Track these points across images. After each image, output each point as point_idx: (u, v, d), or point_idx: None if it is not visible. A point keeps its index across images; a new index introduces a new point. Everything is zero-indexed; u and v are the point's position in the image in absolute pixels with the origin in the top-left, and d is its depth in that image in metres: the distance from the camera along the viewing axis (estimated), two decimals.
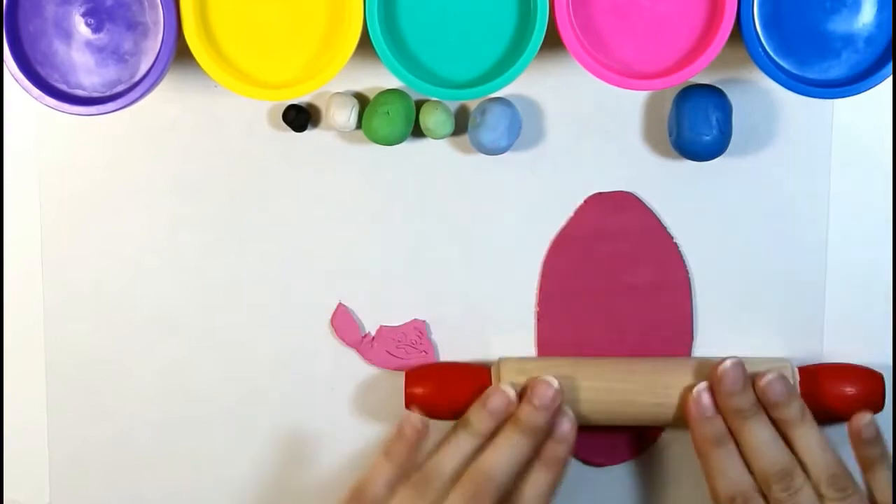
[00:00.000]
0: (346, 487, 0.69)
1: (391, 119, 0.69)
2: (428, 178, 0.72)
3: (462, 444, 0.68)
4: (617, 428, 0.73)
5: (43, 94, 0.64)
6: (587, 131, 0.72)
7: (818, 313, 0.73)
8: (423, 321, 0.74)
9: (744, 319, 0.74)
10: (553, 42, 0.65)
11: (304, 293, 0.73)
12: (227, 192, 0.72)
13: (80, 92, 0.64)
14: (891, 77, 0.65)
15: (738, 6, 0.64)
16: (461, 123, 0.72)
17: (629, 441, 0.74)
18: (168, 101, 0.71)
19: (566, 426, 0.69)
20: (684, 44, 0.65)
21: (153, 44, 0.64)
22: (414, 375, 0.71)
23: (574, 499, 0.74)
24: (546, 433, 0.69)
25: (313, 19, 0.64)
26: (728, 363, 0.69)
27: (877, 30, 0.65)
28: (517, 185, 0.72)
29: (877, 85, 0.65)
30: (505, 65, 0.65)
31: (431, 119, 0.70)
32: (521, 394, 0.69)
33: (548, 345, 0.73)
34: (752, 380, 0.69)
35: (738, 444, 0.69)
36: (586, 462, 0.74)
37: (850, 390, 0.70)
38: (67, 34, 0.64)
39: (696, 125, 0.69)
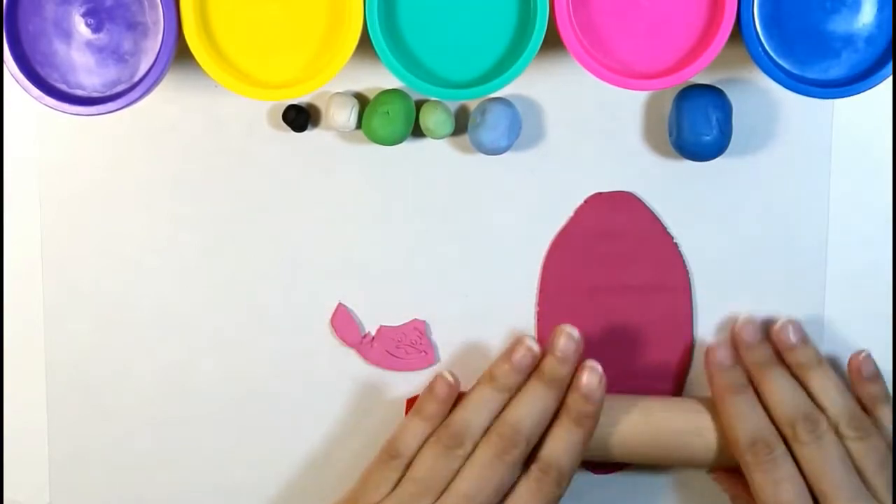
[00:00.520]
0: (380, 448, 0.70)
1: (391, 119, 0.69)
2: (428, 178, 0.72)
3: (488, 399, 0.69)
4: None
5: (43, 94, 0.64)
6: (587, 131, 0.72)
7: (818, 312, 0.73)
8: (423, 321, 0.74)
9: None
10: (553, 42, 0.65)
11: (304, 293, 0.73)
12: (227, 192, 0.72)
13: (80, 92, 0.64)
14: (891, 77, 0.65)
15: (738, 6, 0.64)
16: (461, 123, 0.72)
17: None
18: (168, 101, 0.71)
19: (592, 380, 0.69)
20: (684, 44, 0.65)
21: (153, 44, 0.64)
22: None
23: None
24: (571, 386, 0.69)
25: (313, 19, 0.64)
26: (743, 317, 0.71)
27: (877, 30, 0.65)
28: (517, 185, 0.72)
29: (877, 85, 0.65)
30: (505, 65, 0.65)
31: (431, 119, 0.70)
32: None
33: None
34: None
35: (759, 396, 0.70)
36: (592, 471, 0.74)
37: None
38: (67, 34, 0.64)
39: (696, 125, 0.69)
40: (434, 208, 0.73)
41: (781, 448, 0.68)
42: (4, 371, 0.73)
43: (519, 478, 0.68)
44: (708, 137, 0.69)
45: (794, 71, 0.65)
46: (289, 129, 0.72)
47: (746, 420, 0.69)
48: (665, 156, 0.72)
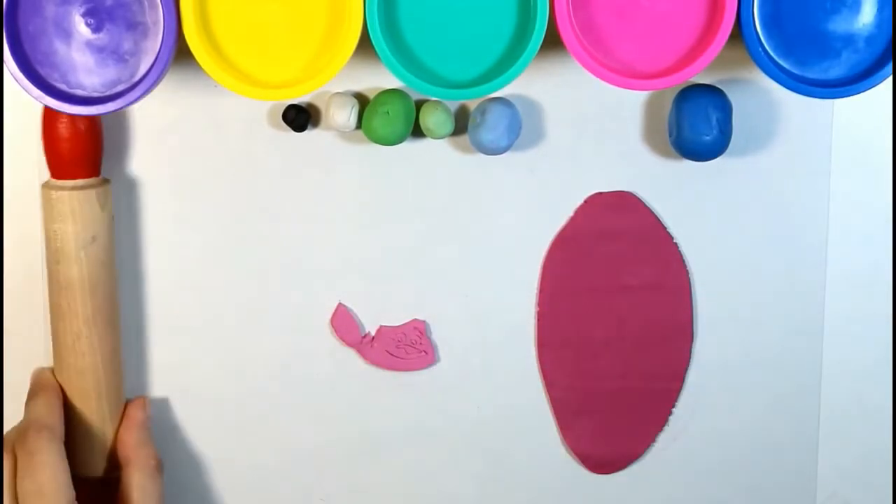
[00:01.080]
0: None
1: (391, 119, 0.69)
2: (428, 178, 0.72)
3: None
4: (617, 433, 0.74)
5: (43, 94, 0.63)
6: (587, 131, 0.72)
7: (818, 313, 0.73)
8: (423, 321, 0.74)
9: (744, 319, 0.74)
10: (553, 42, 0.65)
11: (304, 293, 0.73)
12: (227, 192, 0.72)
13: (80, 92, 0.64)
14: (891, 77, 0.65)
15: (738, 6, 0.64)
16: (461, 123, 0.72)
17: (629, 446, 0.74)
18: (168, 101, 0.71)
19: None
20: (684, 44, 0.65)
21: (153, 44, 0.64)
22: None
23: None
24: None
25: (313, 19, 0.64)
26: None
27: (877, 30, 0.65)
28: (517, 185, 0.72)
29: (877, 85, 0.65)
30: (505, 65, 0.65)
31: (431, 119, 0.70)
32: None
33: (548, 345, 0.74)
34: None
35: None
36: (592, 470, 0.74)
37: None
38: (67, 34, 0.64)
39: (696, 125, 0.69)
40: (434, 208, 0.73)
41: None
42: (4, 371, 0.73)
43: None
44: (708, 137, 0.69)
45: (794, 71, 0.65)
46: (289, 129, 0.72)
47: None
48: (665, 156, 0.72)
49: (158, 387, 0.74)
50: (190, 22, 0.63)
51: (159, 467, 0.70)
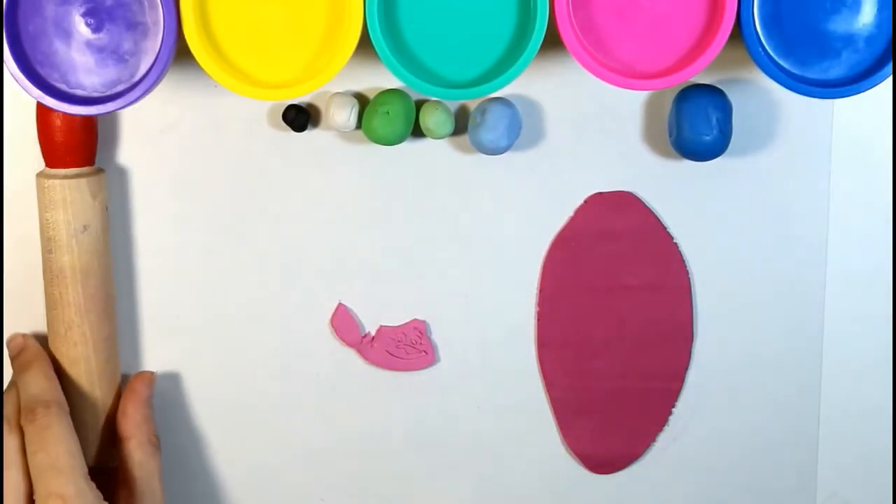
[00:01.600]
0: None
1: (391, 119, 0.69)
2: (428, 178, 0.72)
3: None
4: (617, 433, 0.73)
5: (43, 94, 0.63)
6: (587, 131, 0.72)
7: (818, 313, 0.73)
8: (423, 321, 0.74)
9: (744, 319, 0.74)
10: (553, 42, 0.65)
11: (304, 293, 0.73)
12: (227, 192, 0.72)
13: (80, 92, 0.64)
14: (891, 77, 0.65)
15: (738, 6, 0.64)
16: (461, 123, 0.72)
17: (629, 446, 0.74)
18: (168, 101, 0.71)
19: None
20: (684, 44, 0.65)
21: (153, 44, 0.64)
22: None
23: None
24: None
25: (313, 19, 0.64)
26: None
27: (877, 30, 0.65)
28: (517, 185, 0.72)
29: (877, 85, 0.65)
30: (505, 65, 0.65)
31: (431, 119, 0.70)
32: None
33: (548, 345, 0.74)
34: None
35: None
36: (592, 470, 0.74)
37: None
38: (67, 34, 0.64)
39: (696, 125, 0.69)
40: (434, 208, 0.73)
41: None
42: (4, 371, 0.73)
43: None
44: (708, 137, 0.69)
45: (794, 71, 0.65)
46: (289, 129, 0.72)
47: None
48: (665, 156, 0.72)
49: (159, 386, 0.74)
50: (190, 22, 0.63)
51: (158, 445, 0.71)
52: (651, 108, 0.72)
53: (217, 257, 0.73)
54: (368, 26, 0.63)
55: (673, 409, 0.74)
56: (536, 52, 0.64)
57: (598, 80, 0.65)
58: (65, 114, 0.67)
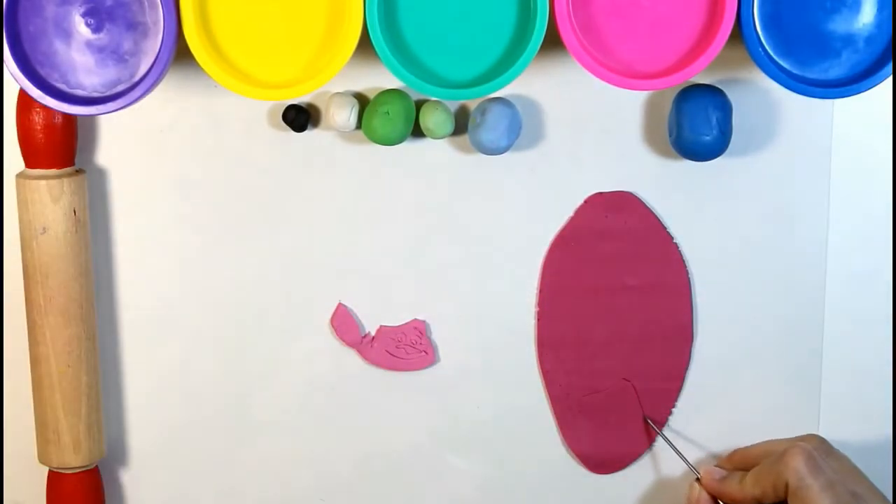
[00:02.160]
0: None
1: (391, 119, 0.69)
2: (428, 178, 0.72)
3: None
4: (617, 433, 0.74)
5: (43, 94, 0.64)
6: (587, 131, 0.72)
7: (818, 313, 0.73)
8: (423, 321, 0.74)
9: (744, 319, 0.74)
10: (553, 42, 0.65)
11: (304, 293, 0.73)
12: (227, 192, 0.72)
13: (80, 92, 0.64)
14: (891, 77, 0.65)
15: (738, 6, 0.64)
16: (461, 123, 0.72)
17: (629, 446, 0.74)
18: (168, 101, 0.71)
19: None
20: (684, 44, 0.65)
21: (153, 44, 0.64)
22: None
23: None
24: None
25: (313, 19, 0.64)
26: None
27: (877, 30, 0.65)
28: (517, 185, 0.72)
29: (877, 85, 0.65)
30: (505, 65, 0.65)
31: (431, 119, 0.70)
32: None
33: (548, 345, 0.74)
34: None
35: None
36: (592, 470, 0.74)
37: None
38: (67, 34, 0.64)
39: (696, 125, 0.69)
40: (434, 208, 0.73)
41: None
42: (4, 371, 0.73)
43: None
44: (708, 137, 0.69)
45: (794, 71, 0.65)
46: (289, 129, 0.72)
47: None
48: (665, 156, 0.72)
49: (158, 386, 0.74)
50: (190, 22, 0.63)
51: None
52: (651, 108, 0.72)
53: (217, 257, 0.73)
54: (368, 26, 0.63)
55: (673, 409, 0.74)
56: (536, 52, 0.64)
57: (598, 80, 0.65)
58: (33, 114, 0.68)
